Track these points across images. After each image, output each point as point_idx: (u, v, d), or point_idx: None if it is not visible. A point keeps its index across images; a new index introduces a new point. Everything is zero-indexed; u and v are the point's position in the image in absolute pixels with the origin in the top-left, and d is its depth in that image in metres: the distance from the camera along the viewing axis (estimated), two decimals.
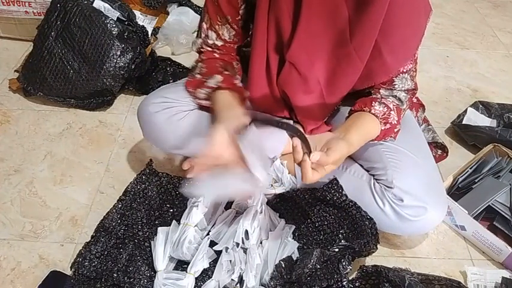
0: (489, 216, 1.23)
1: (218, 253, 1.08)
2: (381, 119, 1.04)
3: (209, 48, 1.14)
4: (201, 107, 1.17)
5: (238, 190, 0.94)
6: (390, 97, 1.07)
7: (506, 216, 1.20)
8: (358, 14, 0.96)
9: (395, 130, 1.08)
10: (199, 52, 1.16)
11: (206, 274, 1.06)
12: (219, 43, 1.12)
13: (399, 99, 1.07)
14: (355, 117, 1.05)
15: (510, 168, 1.32)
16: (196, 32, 1.17)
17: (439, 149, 1.35)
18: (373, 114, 1.04)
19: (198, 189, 0.97)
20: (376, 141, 1.10)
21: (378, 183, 1.09)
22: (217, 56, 1.13)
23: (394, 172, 1.07)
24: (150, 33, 1.78)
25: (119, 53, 1.52)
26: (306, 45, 1.02)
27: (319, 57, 1.05)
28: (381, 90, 1.07)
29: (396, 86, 1.06)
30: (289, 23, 1.01)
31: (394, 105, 1.06)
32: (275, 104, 1.17)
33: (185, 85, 1.16)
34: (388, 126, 1.05)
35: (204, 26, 1.11)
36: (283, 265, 1.04)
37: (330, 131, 1.19)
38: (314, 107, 1.13)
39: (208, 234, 1.11)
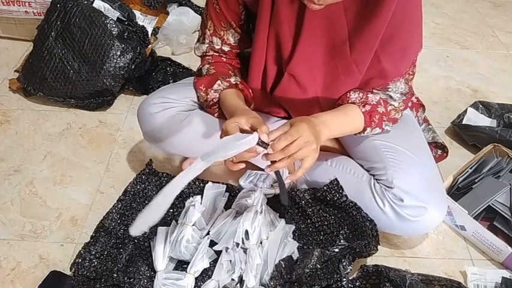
0: (489, 216, 1.23)
1: (218, 253, 1.08)
2: (358, 103, 1.05)
3: (216, 54, 1.14)
4: (201, 107, 1.17)
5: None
6: (380, 93, 1.07)
7: (506, 216, 1.20)
8: (359, 28, 0.97)
9: (381, 111, 1.06)
10: (204, 56, 1.16)
11: (206, 274, 1.06)
12: (226, 48, 1.13)
13: (390, 96, 1.07)
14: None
15: (510, 168, 1.32)
16: (198, 37, 1.16)
17: (439, 149, 1.35)
18: (351, 103, 1.06)
19: (137, 225, 0.90)
20: (375, 138, 1.11)
21: (378, 183, 1.09)
22: (224, 60, 1.14)
23: (394, 172, 1.07)
24: (150, 33, 1.78)
25: (119, 53, 1.52)
26: (307, 59, 1.03)
27: (318, 69, 1.06)
28: (373, 91, 1.07)
29: (390, 89, 1.06)
30: (289, 37, 1.02)
31: (380, 97, 1.06)
32: (273, 107, 1.19)
33: (194, 82, 1.15)
34: (368, 107, 1.05)
35: (208, 32, 1.11)
36: (283, 265, 1.04)
37: None
38: (309, 112, 1.13)
39: (208, 234, 1.11)
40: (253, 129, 0.90)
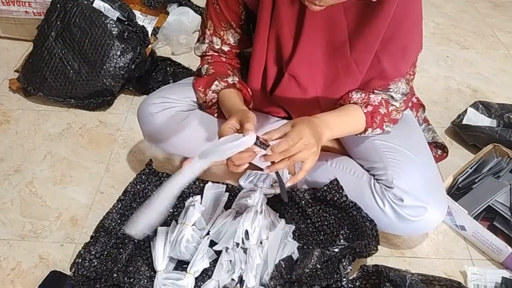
0: (489, 216, 1.23)
1: (218, 253, 1.08)
2: (360, 103, 1.05)
3: (215, 53, 1.14)
4: (200, 107, 1.17)
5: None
6: (382, 94, 1.07)
7: (506, 216, 1.20)
8: (359, 29, 0.97)
9: (383, 112, 1.06)
10: (203, 56, 1.16)
11: (206, 274, 1.06)
12: (226, 48, 1.13)
13: (391, 97, 1.07)
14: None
15: (510, 168, 1.32)
16: (198, 37, 1.16)
17: (439, 149, 1.35)
18: (353, 103, 1.06)
19: (135, 225, 0.88)
20: (375, 138, 1.11)
21: (378, 183, 1.09)
22: (224, 60, 1.14)
23: (394, 172, 1.07)
24: (150, 33, 1.78)
25: (119, 53, 1.52)
26: (307, 59, 1.03)
27: (319, 69, 1.06)
28: (375, 91, 1.07)
29: (391, 90, 1.06)
30: (290, 38, 1.02)
31: (382, 97, 1.06)
32: (273, 107, 1.19)
33: (193, 84, 1.15)
34: (370, 108, 1.05)
35: (208, 32, 1.11)
36: (283, 265, 1.04)
37: None
38: (310, 112, 1.13)
39: (208, 234, 1.11)
40: (241, 125, 0.90)
